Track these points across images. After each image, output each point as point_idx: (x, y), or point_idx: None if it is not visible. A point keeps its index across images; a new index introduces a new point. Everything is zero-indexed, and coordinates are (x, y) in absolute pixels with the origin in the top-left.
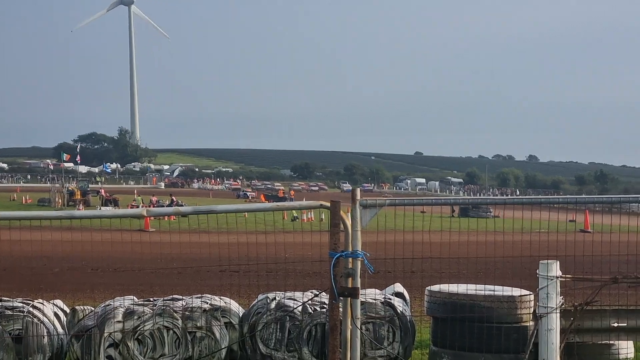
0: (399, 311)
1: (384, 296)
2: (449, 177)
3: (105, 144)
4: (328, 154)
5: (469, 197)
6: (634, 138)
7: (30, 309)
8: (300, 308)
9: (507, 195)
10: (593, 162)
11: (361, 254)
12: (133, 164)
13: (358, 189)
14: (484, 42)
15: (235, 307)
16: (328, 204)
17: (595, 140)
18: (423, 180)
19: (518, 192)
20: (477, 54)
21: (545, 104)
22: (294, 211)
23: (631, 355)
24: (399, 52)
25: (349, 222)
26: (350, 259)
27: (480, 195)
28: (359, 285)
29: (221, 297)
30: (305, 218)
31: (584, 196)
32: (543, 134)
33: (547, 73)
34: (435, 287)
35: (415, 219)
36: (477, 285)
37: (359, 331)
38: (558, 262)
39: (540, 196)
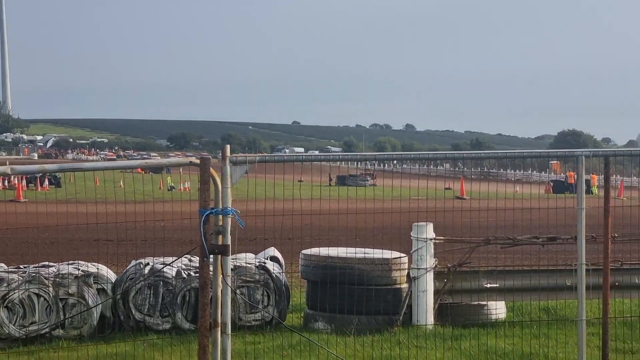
0: (273, 275)
1: (258, 260)
2: (329, 147)
3: None
4: (205, 123)
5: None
6: (508, 107)
7: None
8: (174, 273)
9: (385, 164)
10: (469, 130)
11: (231, 210)
12: (4, 134)
13: (228, 146)
14: (361, 11)
15: (107, 273)
16: (197, 161)
17: (471, 109)
18: (302, 150)
19: (395, 162)
20: (353, 24)
21: (422, 73)
22: (170, 181)
23: (503, 315)
24: (275, 21)
25: (218, 179)
26: (220, 217)
27: (359, 164)
28: (229, 243)
29: (94, 264)
30: (182, 187)
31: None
32: (420, 103)
33: (423, 43)
34: (310, 251)
35: (295, 188)
36: (352, 248)
37: (229, 288)
38: (431, 224)
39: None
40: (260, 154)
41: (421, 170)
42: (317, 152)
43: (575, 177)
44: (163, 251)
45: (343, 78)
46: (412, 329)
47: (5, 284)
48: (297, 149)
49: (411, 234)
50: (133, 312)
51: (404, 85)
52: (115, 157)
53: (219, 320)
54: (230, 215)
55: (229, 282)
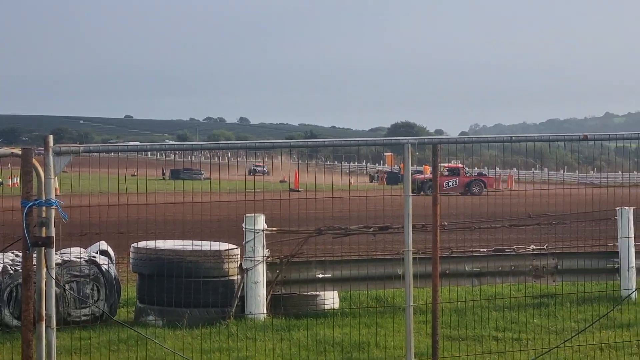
0: (103, 269)
1: (88, 254)
2: (167, 140)
3: None
4: (36, 118)
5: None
6: (342, 100)
7: None
8: (0, 268)
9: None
10: (303, 123)
11: (55, 202)
12: None
13: (51, 136)
14: (191, 2)
15: None
16: (20, 152)
17: (306, 103)
18: (138, 143)
19: (230, 155)
20: (184, 17)
21: (256, 66)
22: None
23: (336, 305)
24: (105, 15)
25: (41, 170)
26: (44, 208)
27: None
28: (53, 235)
29: None
30: (10, 183)
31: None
32: (254, 96)
33: (255, 36)
34: (141, 244)
35: (128, 182)
36: (184, 241)
37: (54, 281)
38: (263, 216)
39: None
40: (84, 145)
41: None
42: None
43: (405, 166)
44: None
45: (176, 71)
46: (245, 321)
47: None
48: (132, 143)
49: (243, 225)
50: None
51: (238, 79)
52: None
53: (43, 314)
54: (53, 207)
55: (53, 275)
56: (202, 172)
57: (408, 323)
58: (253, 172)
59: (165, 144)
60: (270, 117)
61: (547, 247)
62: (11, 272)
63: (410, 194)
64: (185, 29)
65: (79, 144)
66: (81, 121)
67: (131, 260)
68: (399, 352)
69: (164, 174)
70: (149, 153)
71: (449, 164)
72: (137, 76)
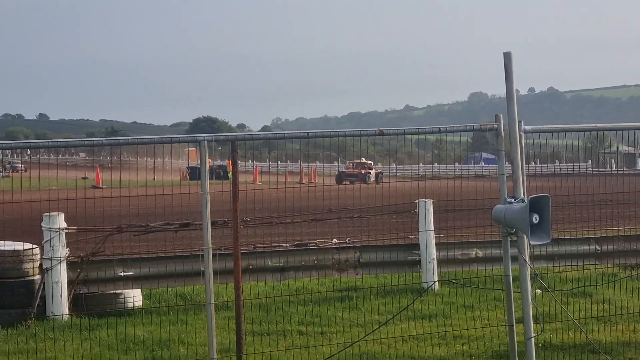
0: None
1: None
2: None
3: None
4: None
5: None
6: (144, 94)
7: None
8: None
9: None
10: (104, 119)
11: None
12: None
13: None
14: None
15: None
16: None
17: (106, 98)
18: None
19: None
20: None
21: (55, 60)
22: None
23: (139, 302)
24: None
25: None
26: None
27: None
28: None
29: None
30: None
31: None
32: (54, 92)
33: (53, 29)
34: None
35: None
36: None
37: None
38: (63, 214)
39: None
40: None
41: (57, 160)
42: None
43: (201, 163)
44: None
45: None
46: (47, 322)
47: None
48: None
49: (42, 224)
50: None
51: (36, 74)
52: None
53: None
54: None
55: None
56: (1, 170)
57: (210, 321)
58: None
59: None
60: (70, 113)
61: (349, 240)
62: None
63: (208, 191)
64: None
65: None
66: None
67: None
68: (204, 348)
69: None
70: None
71: None
72: None
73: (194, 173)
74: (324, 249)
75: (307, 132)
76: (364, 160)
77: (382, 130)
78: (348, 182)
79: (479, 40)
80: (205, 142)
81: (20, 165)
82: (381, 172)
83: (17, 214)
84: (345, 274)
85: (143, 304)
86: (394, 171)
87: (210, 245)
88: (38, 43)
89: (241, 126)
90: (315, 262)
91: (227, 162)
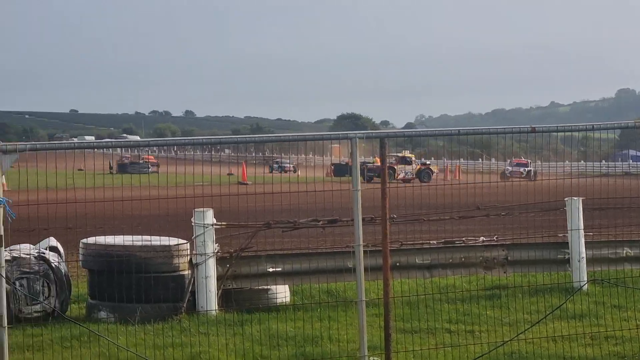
0: (53, 265)
1: (37, 251)
2: (124, 135)
3: None
4: None
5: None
6: (288, 91)
7: None
8: None
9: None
10: (249, 115)
11: (2, 200)
12: None
13: None
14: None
15: None
16: None
17: (251, 95)
18: (92, 138)
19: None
20: (127, 8)
21: (202, 59)
22: None
23: (287, 299)
24: (46, 10)
25: None
26: None
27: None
28: (2, 233)
29: None
30: None
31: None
32: (199, 89)
33: (201, 28)
34: (90, 240)
35: (75, 176)
36: (133, 236)
37: (4, 280)
38: (211, 210)
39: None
40: (31, 142)
41: (204, 156)
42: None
43: (353, 160)
44: None
45: (122, 65)
46: (197, 316)
47: None
48: (88, 137)
49: (192, 220)
50: None
51: (184, 71)
52: None
53: None
54: (1, 205)
55: (4, 274)
56: (150, 165)
57: (361, 318)
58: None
59: (112, 141)
60: (215, 109)
61: (496, 238)
62: None
63: (359, 188)
64: (128, 21)
65: (25, 139)
66: (26, 116)
67: (81, 257)
68: (352, 345)
69: (111, 167)
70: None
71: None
72: (83, 70)
73: (340, 169)
74: (471, 247)
75: (458, 130)
76: (406, 153)
77: (534, 127)
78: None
79: (630, 34)
80: (357, 139)
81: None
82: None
83: (167, 210)
84: (493, 272)
85: (291, 300)
86: (546, 169)
87: (361, 242)
88: (186, 41)
89: (385, 123)
90: (463, 259)
91: (375, 159)
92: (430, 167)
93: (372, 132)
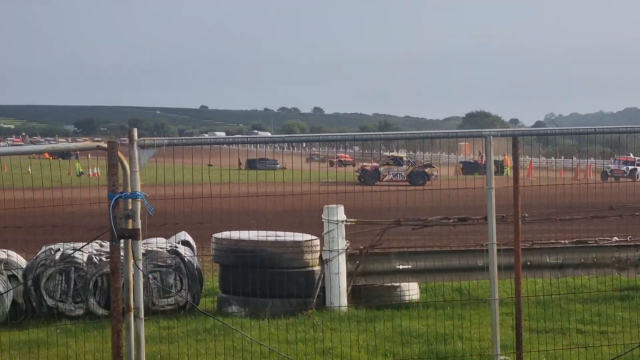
0: (185, 259)
1: (170, 244)
2: (255, 131)
3: None
4: (112, 108)
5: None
6: (416, 89)
7: None
8: (85, 258)
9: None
10: (377, 113)
11: (140, 194)
12: None
13: (135, 129)
14: None
15: (18, 259)
16: (105, 145)
17: (379, 92)
18: (223, 134)
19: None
20: (271, 5)
21: (330, 56)
22: (79, 167)
23: (416, 296)
24: (178, 7)
25: (127, 163)
26: (129, 200)
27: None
28: (139, 227)
29: (4, 250)
30: (91, 173)
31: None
32: (328, 86)
33: (330, 27)
34: (222, 234)
35: (204, 172)
36: (264, 231)
37: (141, 273)
38: (342, 207)
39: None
40: (168, 137)
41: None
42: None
43: (485, 158)
44: (73, 237)
45: (251, 62)
46: (327, 312)
47: None
48: (218, 133)
49: (322, 216)
50: (45, 298)
51: (313, 69)
52: (22, 143)
53: (132, 305)
54: (139, 199)
55: (140, 266)
56: (277, 161)
57: (494, 317)
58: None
59: (247, 137)
60: (344, 107)
61: (630, 238)
62: (96, 261)
63: (493, 186)
64: (259, 20)
65: (156, 134)
66: (157, 112)
67: (212, 251)
68: (483, 344)
69: (240, 163)
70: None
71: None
72: (213, 67)
73: (471, 167)
74: (603, 247)
75: (594, 128)
76: (400, 154)
77: None
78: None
79: None
80: (491, 137)
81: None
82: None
83: (295, 206)
84: (626, 272)
85: (420, 297)
86: None
87: (495, 240)
88: (316, 39)
89: (514, 121)
90: (595, 259)
91: (505, 158)
92: (426, 170)
93: (506, 130)
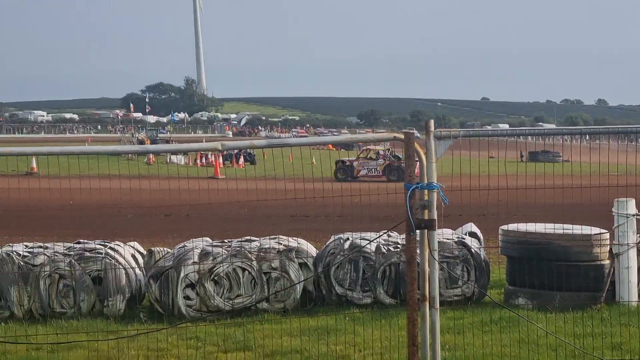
0: (473, 251)
1: (457, 236)
2: (540, 123)
3: (172, 94)
4: (394, 100)
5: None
6: None
7: (109, 250)
8: (373, 248)
9: (576, 139)
10: None
11: (436, 185)
12: (200, 113)
13: (432, 120)
14: None
15: (308, 248)
16: (402, 136)
17: None
18: (507, 126)
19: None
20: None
21: (614, 47)
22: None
23: None
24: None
25: (423, 154)
26: (425, 191)
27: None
28: (435, 217)
29: (295, 239)
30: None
31: None
32: (612, 77)
33: (611, 19)
34: (509, 227)
35: (487, 164)
36: (552, 224)
37: (437, 263)
38: (633, 200)
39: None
40: (464, 129)
41: (617, 145)
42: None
43: None
44: (360, 227)
45: (532, 53)
46: (616, 306)
47: (211, 258)
48: (502, 125)
49: (612, 209)
50: (335, 286)
51: (596, 60)
52: (306, 134)
53: (427, 295)
54: (435, 190)
55: (436, 257)
56: (560, 154)
57: None
58: None
59: (536, 129)
60: (629, 98)
61: None
62: (384, 251)
63: None
64: (537, 11)
65: (437, 126)
66: (438, 103)
67: (500, 243)
68: None
69: (522, 155)
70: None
71: None
72: (495, 59)
73: None
74: None
75: None
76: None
77: None
78: None
79: None
80: None
81: None
82: None
83: (582, 199)
84: None
85: None
86: None
87: None
88: (600, 29)
89: None
90: None
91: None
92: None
93: None
